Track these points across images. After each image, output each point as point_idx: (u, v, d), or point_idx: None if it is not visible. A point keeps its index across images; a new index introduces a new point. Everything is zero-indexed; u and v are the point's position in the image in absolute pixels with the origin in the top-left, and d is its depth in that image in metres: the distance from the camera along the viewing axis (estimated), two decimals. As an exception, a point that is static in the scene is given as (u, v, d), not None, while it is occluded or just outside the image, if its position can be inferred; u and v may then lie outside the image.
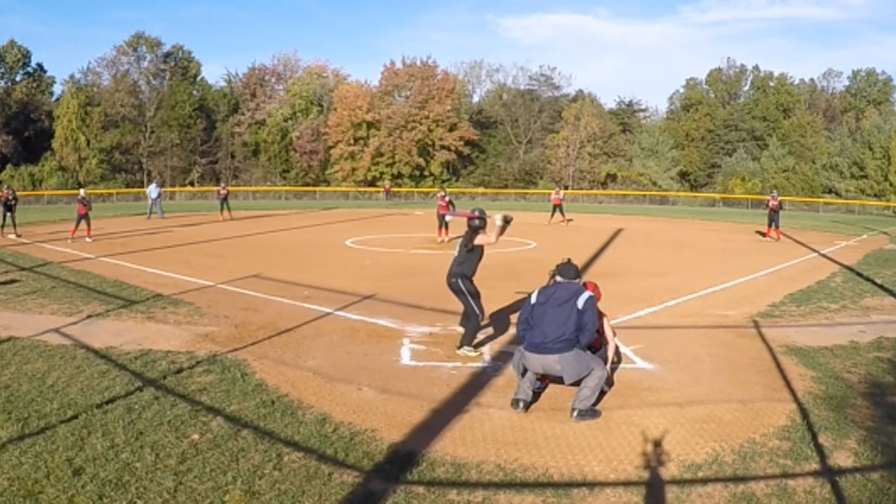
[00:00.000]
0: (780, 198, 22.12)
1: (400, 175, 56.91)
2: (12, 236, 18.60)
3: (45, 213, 32.58)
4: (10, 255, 14.65)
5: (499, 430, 5.01)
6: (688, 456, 4.56)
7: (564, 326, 5.32)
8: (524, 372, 5.53)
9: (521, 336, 5.68)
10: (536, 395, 5.70)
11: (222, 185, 31.28)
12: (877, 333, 8.02)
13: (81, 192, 19.11)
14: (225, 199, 28.09)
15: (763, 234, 21.57)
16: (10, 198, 19.13)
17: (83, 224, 17.83)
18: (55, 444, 4.49)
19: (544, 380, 5.85)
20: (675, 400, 5.71)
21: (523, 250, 16.97)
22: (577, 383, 5.37)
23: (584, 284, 6.00)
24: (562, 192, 28.72)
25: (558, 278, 5.70)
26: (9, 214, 19.10)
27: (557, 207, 27.21)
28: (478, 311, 7.00)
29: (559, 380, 5.47)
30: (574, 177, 59.02)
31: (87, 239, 17.50)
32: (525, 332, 5.56)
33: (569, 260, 5.84)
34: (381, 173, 56.67)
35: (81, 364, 6.32)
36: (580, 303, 5.41)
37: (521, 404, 5.40)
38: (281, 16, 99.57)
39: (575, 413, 5.24)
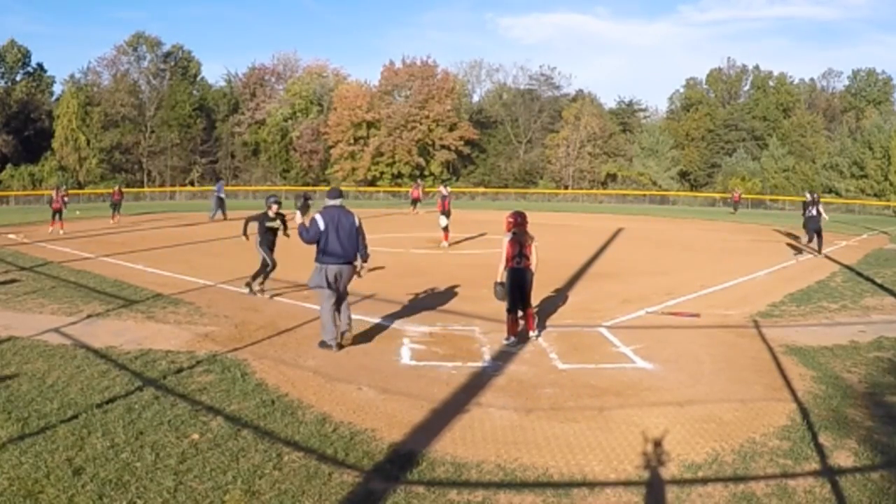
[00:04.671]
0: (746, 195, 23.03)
1: (400, 175, 56.91)
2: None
3: (45, 212, 32.53)
4: (10, 255, 14.66)
5: (499, 430, 5.01)
6: (688, 456, 4.56)
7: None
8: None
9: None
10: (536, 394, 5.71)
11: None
12: (877, 333, 8.02)
13: (116, 186, 22.62)
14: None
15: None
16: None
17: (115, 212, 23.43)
18: (55, 444, 4.49)
19: (515, 331, 7.28)
20: (675, 400, 5.71)
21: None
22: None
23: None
24: (420, 186, 32.09)
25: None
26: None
27: (416, 201, 30.38)
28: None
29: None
30: (574, 176, 59.04)
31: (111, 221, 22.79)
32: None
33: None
34: (381, 173, 56.68)
35: (81, 364, 6.32)
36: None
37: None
38: (281, 16, 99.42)
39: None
